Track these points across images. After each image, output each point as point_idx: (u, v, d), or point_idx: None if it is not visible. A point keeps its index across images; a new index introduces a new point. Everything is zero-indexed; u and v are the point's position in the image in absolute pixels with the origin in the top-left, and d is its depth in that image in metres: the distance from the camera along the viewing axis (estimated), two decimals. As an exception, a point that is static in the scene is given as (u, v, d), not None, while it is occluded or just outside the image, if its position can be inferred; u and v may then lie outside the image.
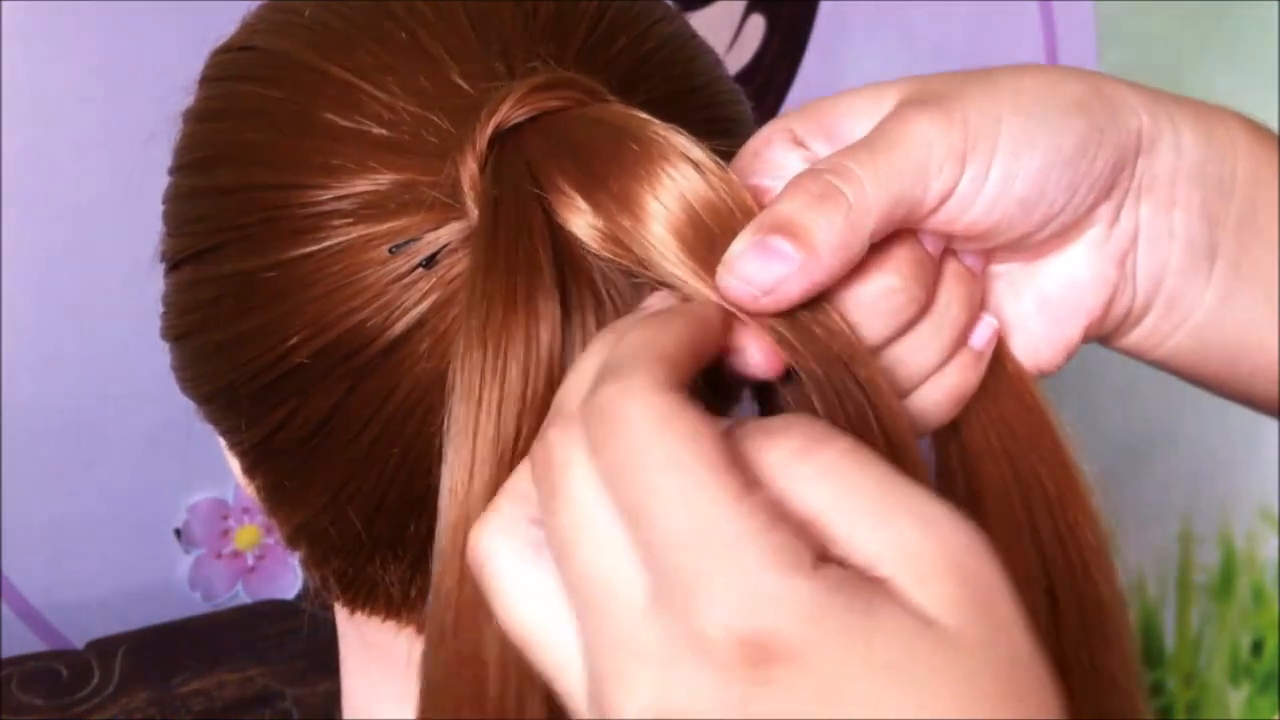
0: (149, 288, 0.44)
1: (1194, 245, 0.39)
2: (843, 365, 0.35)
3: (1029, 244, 0.38)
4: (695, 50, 0.44)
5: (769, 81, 0.97)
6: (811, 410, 0.35)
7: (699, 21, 0.91)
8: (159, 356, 0.44)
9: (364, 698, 0.48)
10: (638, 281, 0.37)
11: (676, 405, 0.28)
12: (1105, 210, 0.39)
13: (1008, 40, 1.06)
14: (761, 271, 0.34)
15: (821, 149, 0.38)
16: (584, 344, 0.35)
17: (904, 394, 0.37)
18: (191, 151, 0.42)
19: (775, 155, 0.38)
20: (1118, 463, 1.14)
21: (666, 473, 0.27)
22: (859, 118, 0.38)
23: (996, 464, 0.39)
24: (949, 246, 0.38)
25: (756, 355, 0.35)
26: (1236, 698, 1.26)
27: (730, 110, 0.43)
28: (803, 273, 0.34)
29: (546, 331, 0.35)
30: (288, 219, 0.39)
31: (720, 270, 0.34)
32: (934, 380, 0.38)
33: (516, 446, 0.34)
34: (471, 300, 0.35)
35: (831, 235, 0.34)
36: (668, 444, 0.28)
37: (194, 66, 0.44)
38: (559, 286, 0.35)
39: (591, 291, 0.37)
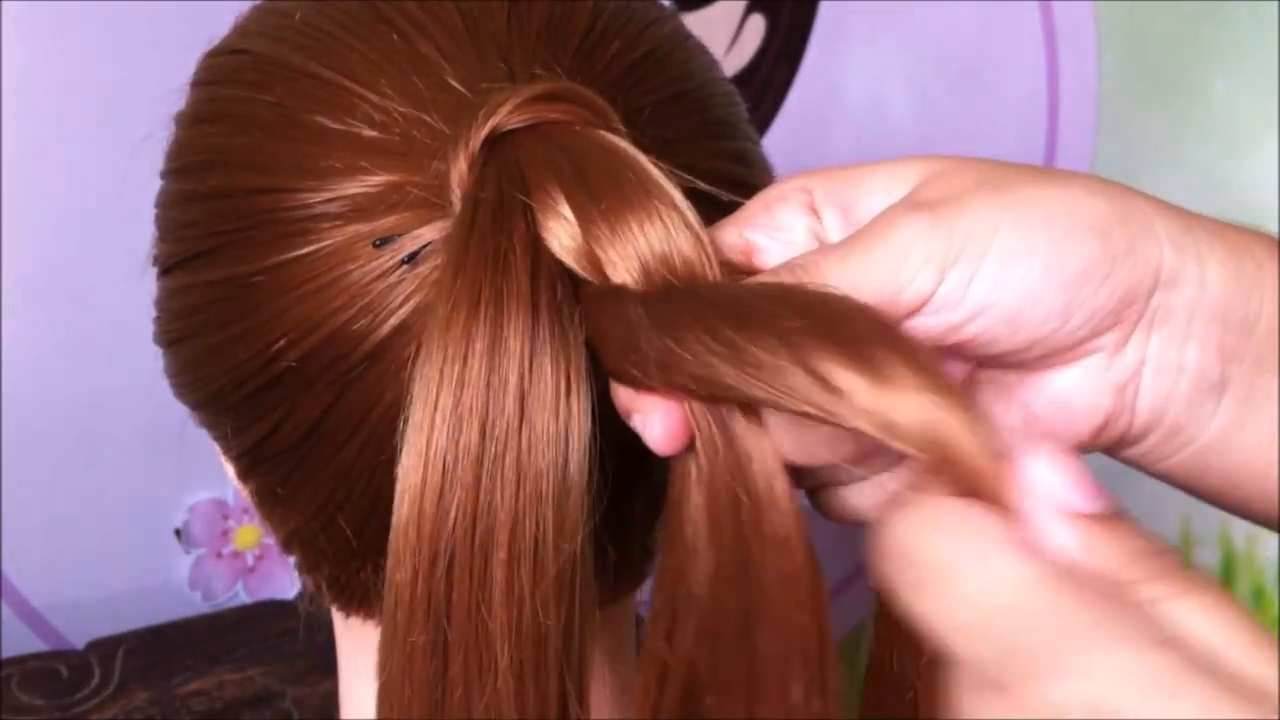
0: (149, 287, 0.44)
1: (1204, 380, 0.37)
2: (741, 469, 0.33)
3: (1014, 362, 0.37)
4: (690, 52, 0.43)
5: (769, 81, 0.97)
6: (691, 492, 0.34)
7: (698, 21, 0.91)
8: (158, 357, 0.44)
9: (361, 698, 0.48)
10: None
11: None
12: (1109, 340, 0.37)
13: (1008, 40, 1.05)
14: None
15: (833, 221, 0.38)
16: (551, 355, 0.35)
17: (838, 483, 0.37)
18: (183, 156, 0.42)
19: (785, 215, 0.37)
20: (1117, 462, 1.14)
21: None
22: (876, 195, 0.37)
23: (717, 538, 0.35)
24: None
25: (657, 429, 0.34)
26: (1237, 698, 1.25)
27: (724, 113, 0.43)
28: None
29: (515, 340, 0.34)
30: (277, 223, 0.39)
31: None
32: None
33: (471, 451, 0.34)
34: (438, 299, 0.35)
35: None
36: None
37: (193, 66, 0.44)
38: (531, 296, 0.35)
39: (563, 304, 0.36)
